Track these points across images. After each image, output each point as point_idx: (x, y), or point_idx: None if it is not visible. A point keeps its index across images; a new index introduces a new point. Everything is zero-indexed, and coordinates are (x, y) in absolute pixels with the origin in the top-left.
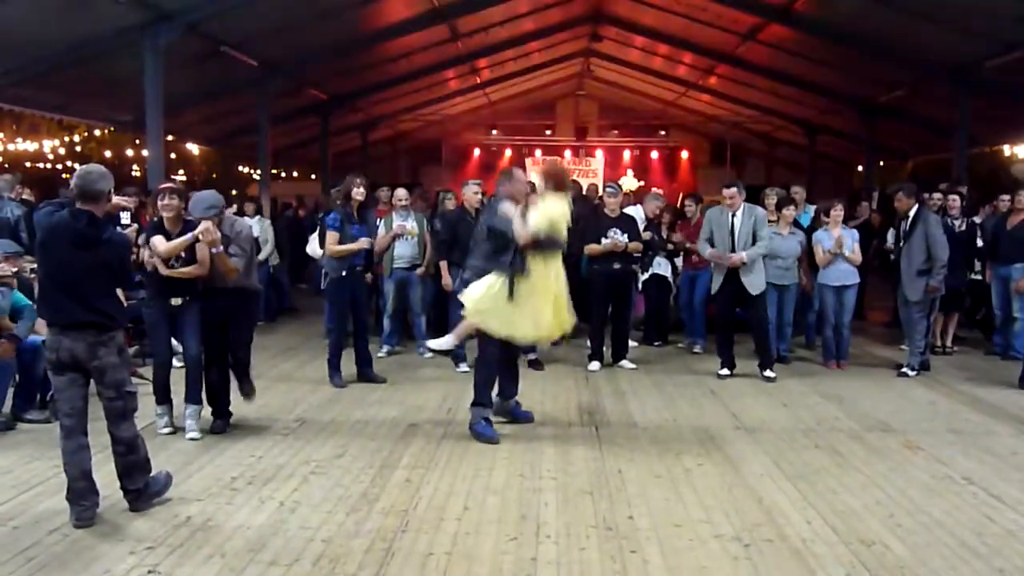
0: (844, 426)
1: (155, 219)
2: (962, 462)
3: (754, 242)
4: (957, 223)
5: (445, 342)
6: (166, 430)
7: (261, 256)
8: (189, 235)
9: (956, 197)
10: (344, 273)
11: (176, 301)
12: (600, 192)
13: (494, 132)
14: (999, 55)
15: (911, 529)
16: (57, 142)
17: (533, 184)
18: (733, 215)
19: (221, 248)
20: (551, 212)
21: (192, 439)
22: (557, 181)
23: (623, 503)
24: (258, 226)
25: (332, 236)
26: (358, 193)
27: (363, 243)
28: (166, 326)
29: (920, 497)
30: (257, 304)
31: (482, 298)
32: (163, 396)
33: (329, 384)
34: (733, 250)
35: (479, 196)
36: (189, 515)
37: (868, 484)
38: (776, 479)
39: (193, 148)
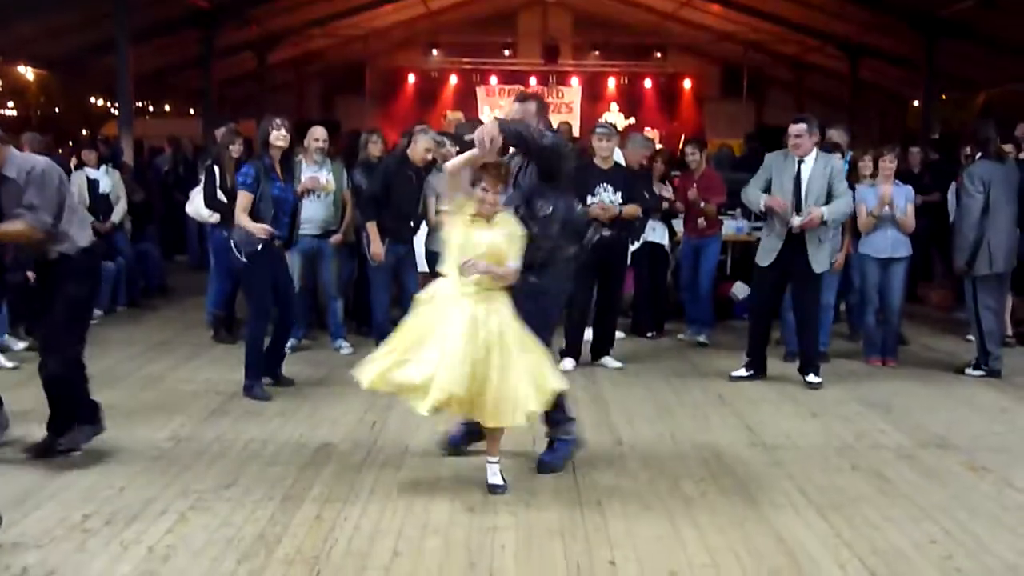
0: (891, 442)
1: None
2: None
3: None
4: None
5: None
6: None
7: (114, 218)
8: None
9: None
10: (260, 247)
11: None
12: (575, 133)
13: (435, 53)
14: None
15: (973, 575)
16: None
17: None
18: (800, 162)
19: None
20: None
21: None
22: None
23: (603, 545)
24: (106, 179)
25: (244, 197)
26: (278, 138)
27: (260, 230)
28: None
29: (986, 534)
30: (83, 277)
31: None
32: None
33: (213, 390)
34: (798, 210)
35: (431, 153)
36: (25, 566)
37: (920, 517)
38: (802, 511)
39: (27, 72)
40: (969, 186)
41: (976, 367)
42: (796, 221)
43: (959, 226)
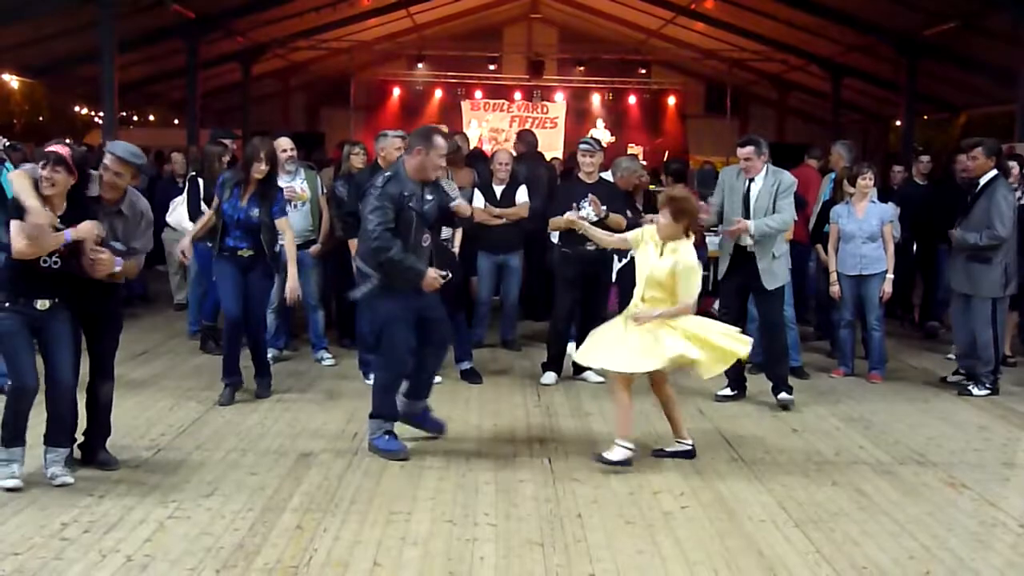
0: (870, 458)
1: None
2: (1018, 504)
3: None
4: (1017, 196)
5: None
6: (11, 483)
7: None
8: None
9: (1015, 164)
10: (220, 254)
11: (43, 304)
12: (559, 150)
13: (420, 66)
14: None
15: None
16: None
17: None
18: (750, 181)
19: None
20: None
21: (64, 483)
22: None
23: (583, 557)
24: (93, 188)
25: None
26: (258, 171)
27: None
28: (27, 339)
29: (964, 549)
30: (121, 301)
31: None
32: (15, 435)
33: (194, 400)
34: None
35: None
36: (3, 573)
37: (899, 532)
38: (781, 525)
39: (12, 80)
40: (1004, 205)
41: (979, 385)
42: (729, 229)
43: (997, 235)
